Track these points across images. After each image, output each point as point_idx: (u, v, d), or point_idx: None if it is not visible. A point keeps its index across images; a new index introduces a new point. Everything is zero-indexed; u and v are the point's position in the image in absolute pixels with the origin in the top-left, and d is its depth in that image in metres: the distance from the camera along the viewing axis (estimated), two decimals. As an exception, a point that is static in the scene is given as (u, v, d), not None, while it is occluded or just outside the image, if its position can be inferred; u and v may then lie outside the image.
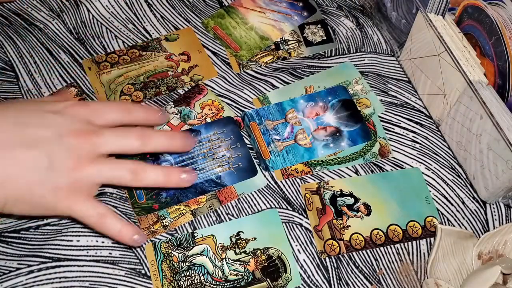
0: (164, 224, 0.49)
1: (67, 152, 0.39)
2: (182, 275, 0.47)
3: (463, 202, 0.53)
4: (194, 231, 0.49)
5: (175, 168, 0.43)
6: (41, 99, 0.49)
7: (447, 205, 0.52)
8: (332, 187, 0.52)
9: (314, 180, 0.53)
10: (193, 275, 0.47)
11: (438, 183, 0.53)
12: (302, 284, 0.47)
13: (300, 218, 0.51)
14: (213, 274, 0.47)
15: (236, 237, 0.49)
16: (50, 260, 0.47)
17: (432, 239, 0.50)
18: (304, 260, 0.48)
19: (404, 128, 0.57)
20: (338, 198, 0.52)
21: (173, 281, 0.46)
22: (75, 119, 0.41)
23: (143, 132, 0.43)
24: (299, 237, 0.49)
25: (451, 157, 0.55)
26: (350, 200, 0.52)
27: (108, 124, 0.43)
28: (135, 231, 0.44)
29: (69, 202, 0.40)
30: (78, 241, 0.48)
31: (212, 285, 0.46)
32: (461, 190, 0.53)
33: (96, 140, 0.40)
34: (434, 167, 0.54)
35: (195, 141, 0.45)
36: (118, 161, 0.41)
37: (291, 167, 0.53)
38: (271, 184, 0.52)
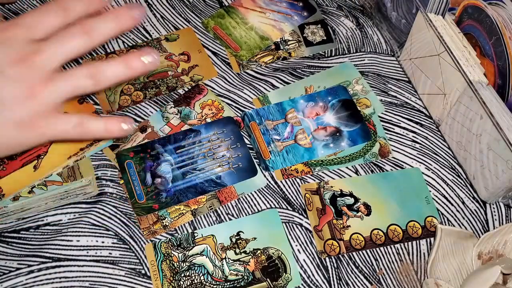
0: (164, 224, 0.49)
1: (15, 83, 0.36)
2: (182, 275, 0.47)
3: (463, 202, 0.53)
4: (194, 231, 0.49)
5: (133, 54, 0.37)
6: None
7: (447, 205, 0.52)
8: (332, 187, 0.52)
9: (314, 180, 0.53)
10: (193, 275, 0.47)
11: (438, 183, 0.53)
12: (302, 284, 0.47)
13: (300, 218, 0.51)
14: (213, 274, 0.47)
15: (236, 237, 0.49)
16: (50, 260, 0.47)
17: (432, 239, 0.50)
18: (304, 260, 0.48)
19: (404, 128, 0.57)
20: (338, 198, 0.52)
21: (173, 281, 0.46)
22: (12, 45, 0.36)
23: (86, 25, 0.38)
24: (299, 237, 0.49)
25: (451, 157, 0.55)
26: (350, 200, 0.52)
27: (50, 32, 0.38)
28: (120, 120, 0.39)
29: (40, 131, 0.37)
30: (78, 241, 0.48)
31: (212, 285, 0.46)
32: (461, 190, 0.53)
33: (40, 59, 0.37)
34: (434, 167, 0.54)
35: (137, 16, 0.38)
36: (72, 71, 0.38)
37: (291, 167, 0.53)
38: (271, 184, 0.52)
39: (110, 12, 0.37)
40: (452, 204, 0.52)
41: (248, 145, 0.54)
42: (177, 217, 0.50)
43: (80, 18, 0.38)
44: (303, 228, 0.50)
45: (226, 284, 0.47)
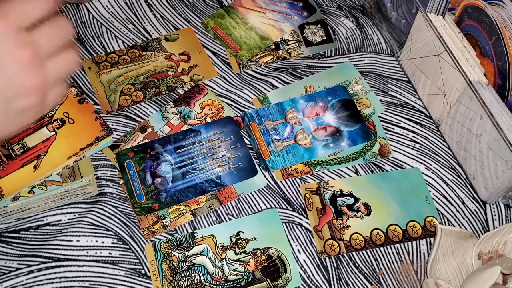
0: (164, 224, 0.49)
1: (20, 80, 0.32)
2: (182, 275, 0.47)
3: (463, 202, 0.52)
4: (194, 231, 0.49)
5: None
6: None
7: (447, 205, 0.52)
8: (332, 187, 0.52)
9: (314, 180, 0.53)
10: (193, 275, 0.47)
11: (438, 183, 0.53)
12: (302, 284, 0.47)
13: (300, 218, 0.51)
14: (213, 274, 0.47)
15: (236, 237, 0.49)
16: (50, 260, 0.47)
17: (432, 239, 0.50)
18: (304, 260, 0.48)
19: (404, 128, 0.57)
20: (338, 198, 0.52)
21: (173, 281, 0.46)
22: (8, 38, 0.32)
23: None
24: (299, 237, 0.49)
25: (451, 157, 0.55)
26: (350, 200, 0.52)
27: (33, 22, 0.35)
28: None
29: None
30: (78, 241, 0.48)
31: (212, 285, 0.46)
32: (461, 190, 0.53)
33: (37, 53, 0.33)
34: (434, 167, 0.54)
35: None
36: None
37: (291, 167, 0.53)
38: (271, 184, 0.52)
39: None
40: (452, 204, 0.52)
41: (248, 145, 0.54)
42: (177, 217, 0.50)
43: None
44: (303, 228, 0.50)
45: (226, 284, 0.47)
